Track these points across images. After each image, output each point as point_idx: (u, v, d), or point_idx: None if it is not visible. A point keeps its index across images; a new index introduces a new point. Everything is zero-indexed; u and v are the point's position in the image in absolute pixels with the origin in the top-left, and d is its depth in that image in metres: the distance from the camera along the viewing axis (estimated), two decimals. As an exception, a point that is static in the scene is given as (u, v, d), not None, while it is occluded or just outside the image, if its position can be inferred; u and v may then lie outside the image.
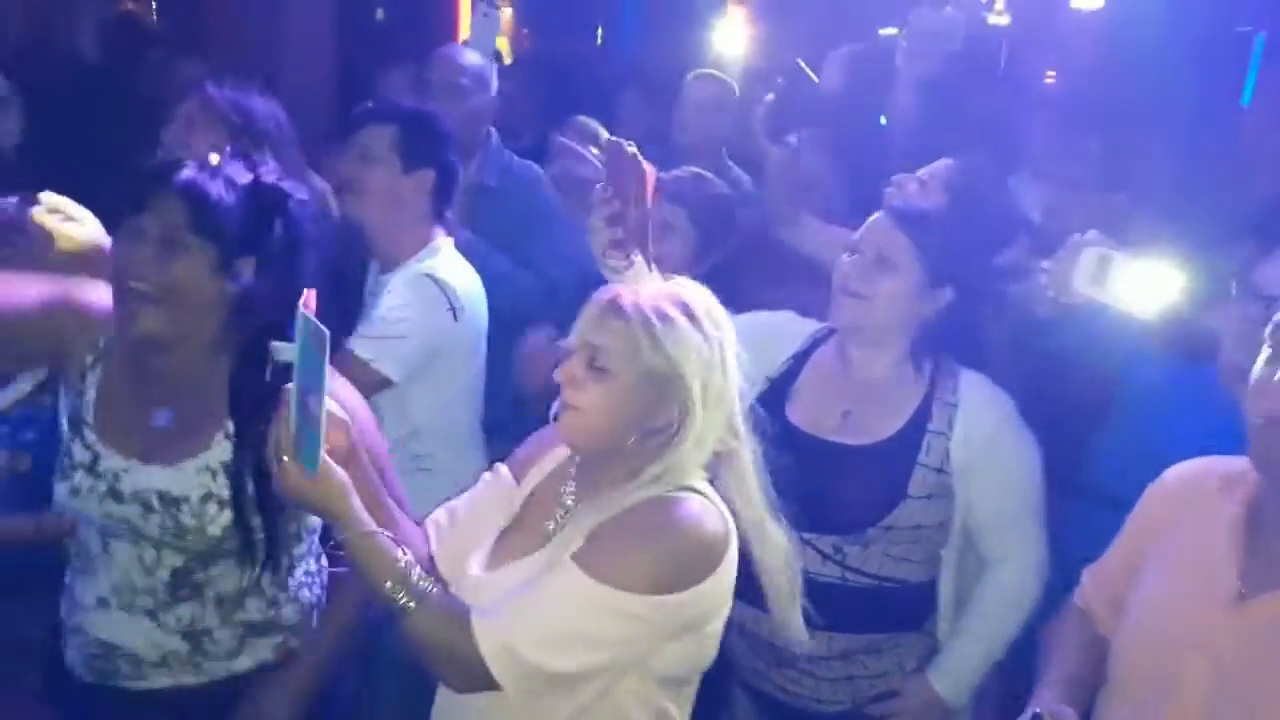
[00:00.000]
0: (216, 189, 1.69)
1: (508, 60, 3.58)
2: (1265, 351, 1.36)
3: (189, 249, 1.67)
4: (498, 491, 1.66)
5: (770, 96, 2.77)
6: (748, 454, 1.54)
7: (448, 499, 1.71)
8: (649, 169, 1.82)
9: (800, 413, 2.07)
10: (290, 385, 1.37)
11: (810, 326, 2.17)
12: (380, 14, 7.09)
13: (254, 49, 4.60)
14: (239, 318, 1.73)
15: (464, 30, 6.92)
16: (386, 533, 1.42)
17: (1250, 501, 1.44)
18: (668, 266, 1.85)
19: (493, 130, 3.15)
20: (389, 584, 1.39)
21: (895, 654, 2.10)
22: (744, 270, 2.55)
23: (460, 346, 2.41)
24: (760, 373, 1.98)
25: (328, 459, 1.37)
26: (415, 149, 2.40)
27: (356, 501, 1.40)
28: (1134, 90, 3.79)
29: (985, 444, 1.99)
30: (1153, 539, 1.56)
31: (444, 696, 1.60)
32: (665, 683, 1.51)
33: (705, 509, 1.47)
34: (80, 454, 1.76)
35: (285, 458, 1.36)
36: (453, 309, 2.34)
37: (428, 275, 2.35)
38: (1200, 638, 1.40)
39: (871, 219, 2.08)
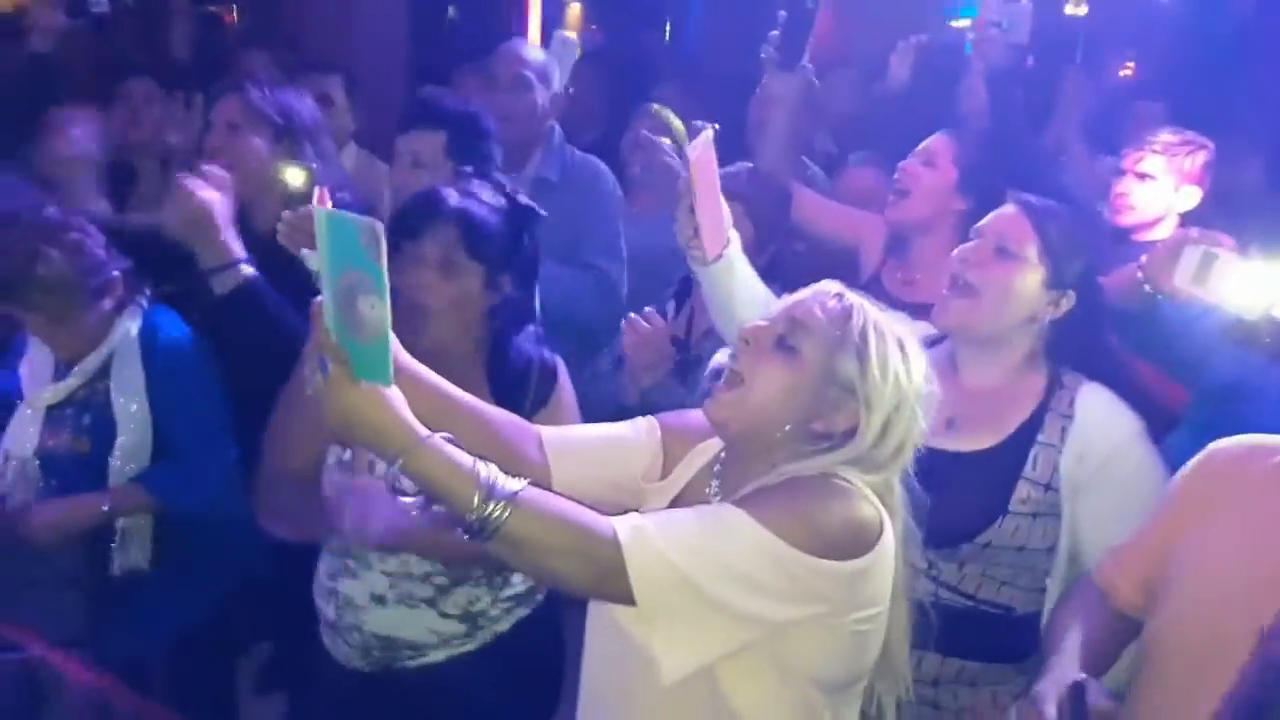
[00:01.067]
0: (483, 213, 1.88)
1: (576, 54, 3.58)
2: None
3: (464, 269, 1.86)
4: (641, 455, 1.52)
5: (776, 31, 2.75)
6: (899, 527, 1.42)
7: None
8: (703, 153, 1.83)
9: None
10: (319, 299, 1.22)
11: (919, 330, 2.06)
12: (452, 12, 7.20)
13: (329, 48, 4.71)
14: (493, 326, 1.92)
15: (534, 28, 6.99)
16: (447, 435, 1.23)
17: None
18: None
19: (555, 125, 3.15)
20: (474, 497, 1.18)
21: (989, 690, 1.90)
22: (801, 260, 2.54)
23: None
24: None
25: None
26: (464, 152, 2.43)
27: (408, 412, 1.21)
28: (1213, 83, 3.69)
29: (1100, 464, 1.81)
30: (1197, 518, 1.50)
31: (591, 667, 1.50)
32: (819, 685, 1.38)
33: (858, 494, 1.36)
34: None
35: (332, 365, 1.19)
36: None
37: None
38: (1259, 621, 1.32)
39: (999, 209, 1.94)
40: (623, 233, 3.04)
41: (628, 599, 1.24)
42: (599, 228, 2.98)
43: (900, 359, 1.39)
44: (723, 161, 1.96)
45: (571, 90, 3.20)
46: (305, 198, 2.02)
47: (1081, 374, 1.89)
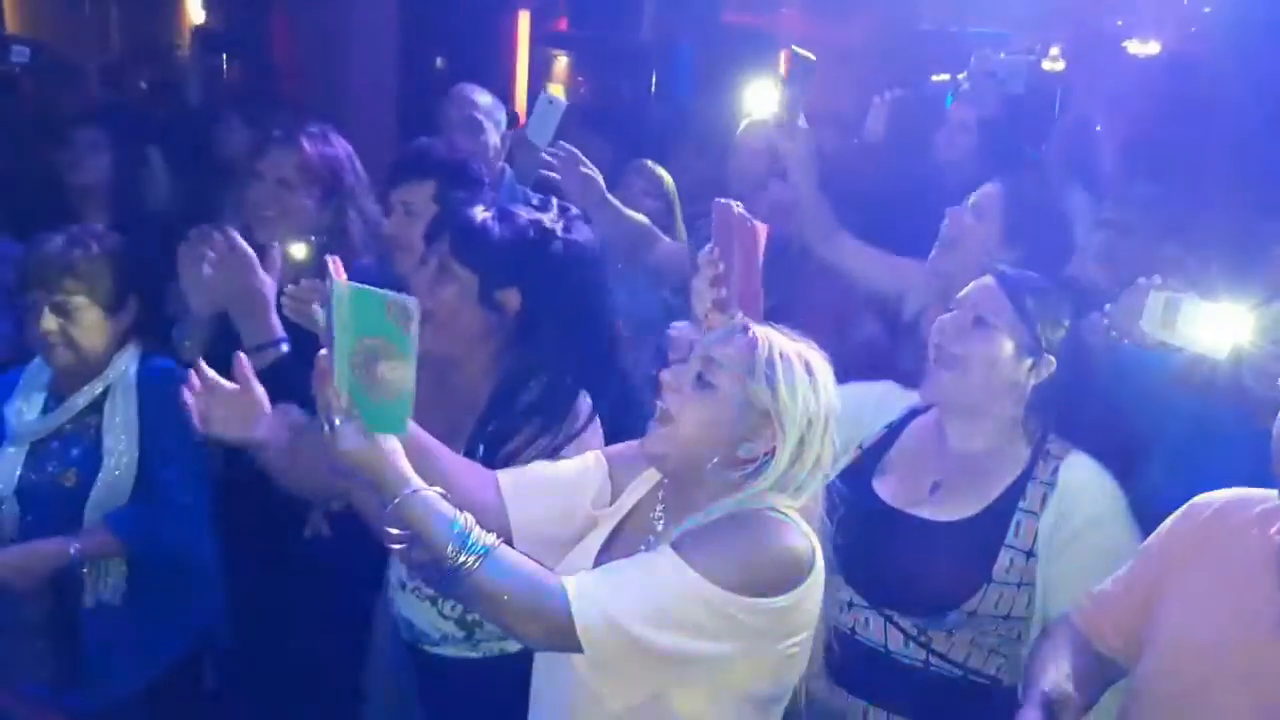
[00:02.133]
0: (483, 223, 1.87)
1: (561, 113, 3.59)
2: None
3: (455, 275, 1.87)
4: (590, 485, 1.66)
5: (781, 84, 2.75)
6: (818, 514, 1.55)
7: None
8: (760, 225, 1.85)
9: (888, 486, 1.96)
10: (324, 353, 1.37)
11: (910, 398, 2.05)
12: (440, 62, 7.29)
13: (319, 98, 4.76)
14: (500, 346, 1.90)
15: (521, 77, 7.08)
16: (438, 490, 1.38)
17: None
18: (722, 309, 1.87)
19: (506, 167, 3.18)
20: (449, 546, 1.33)
21: None
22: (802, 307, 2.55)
23: None
24: (853, 442, 1.97)
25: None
26: (453, 196, 2.37)
27: (404, 463, 1.38)
28: (1190, 136, 3.77)
29: (1075, 531, 1.81)
30: (1177, 569, 1.54)
31: (540, 675, 1.63)
32: (751, 700, 1.50)
33: (791, 526, 1.47)
34: None
35: (338, 421, 1.35)
36: None
37: None
38: (1242, 669, 1.39)
39: (977, 280, 1.98)
40: None
41: (577, 651, 1.38)
42: None
43: (807, 380, 1.50)
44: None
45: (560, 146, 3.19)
46: (309, 267, 2.02)
47: (1068, 437, 1.90)
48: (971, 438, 1.92)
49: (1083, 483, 1.84)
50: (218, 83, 5.36)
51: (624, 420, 1.92)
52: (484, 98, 3.17)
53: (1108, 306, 2.03)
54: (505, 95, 3.87)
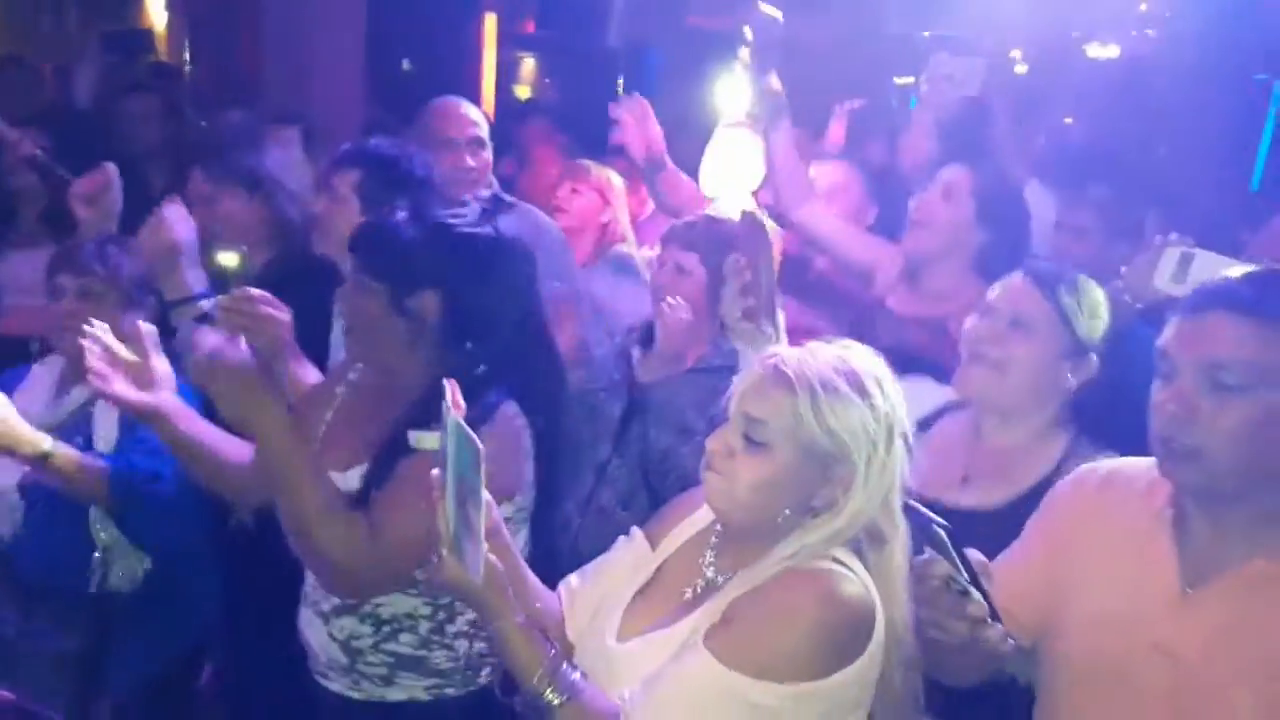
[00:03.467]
0: (386, 231, 1.83)
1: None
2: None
3: (367, 288, 1.82)
4: (632, 555, 1.59)
5: (746, 47, 2.75)
6: (900, 547, 1.41)
7: None
8: (778, 232, 1.86)
9: (917, 474, 1.83)
10: (438, 473, 1.37)
11: (941, 394, 2.02)
12: (407, 65, 7.26)
13: (285, 100, 4.72)
14: (423, 357, 1.83)
15: (488, 80, 7.07)
16: (534, 626, 1.41)
17: (1173, 500, 1.45)
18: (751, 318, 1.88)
19: (493, 179, 3.16)
20: (537, 677, 1.36)
21: None
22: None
23: None
24: None
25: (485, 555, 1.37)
26: (376, 191, 2.42)
27: (508, 594, 1.39)
28: (1148, 138, 3.83)
29: None
30: (1074, 542, 1.54)
31: None
32: None
33: (848, 584, 1.35)
34: None
35: (445, 551, 1.36)
36: None
37: None
38: (1154, 637, 1.40)
39: (1007, 278, 1.93)
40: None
41: None
42: (554, 279, 2.94)
43: (859, 401, 1.38)
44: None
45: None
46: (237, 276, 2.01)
47: (1107, 437, 1.86)
48: (1007, 434, 1.90)
49: None
50: (177, 86, 5.29)
51: (575, 426, 1.91)
52: (475, 112, 3.13)
53: (1123, 269, 2.07)
54: (473, 97, 3.86)
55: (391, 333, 1.83)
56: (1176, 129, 4.07)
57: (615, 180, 3.54)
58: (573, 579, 1.64)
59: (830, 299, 2.90)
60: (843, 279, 2.94)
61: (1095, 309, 1.87)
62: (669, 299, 2.34)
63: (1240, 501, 1.38)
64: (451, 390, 1.36)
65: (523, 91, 8.29)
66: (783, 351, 1.43)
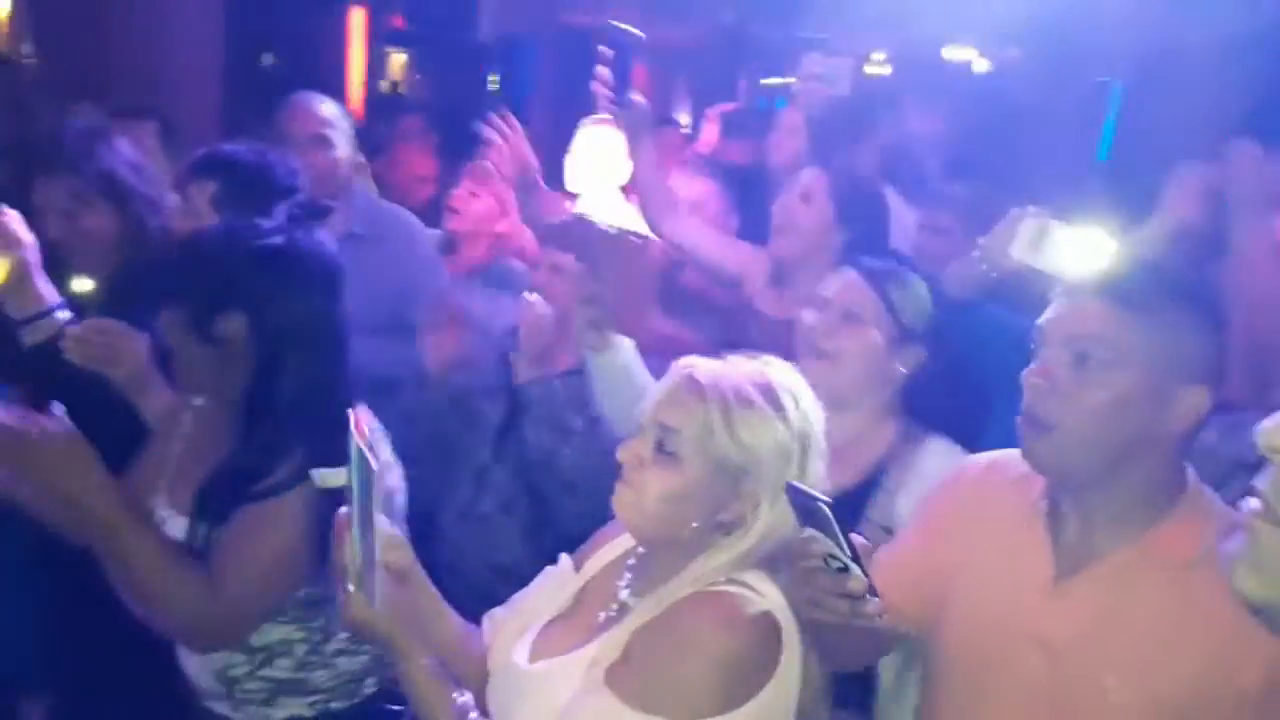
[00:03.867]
0: (184, 249, 1.73)
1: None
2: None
3: (172, 312, 1.71)
4: (557, 580, 1.57)
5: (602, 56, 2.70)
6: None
7: None
8: (654, 241, 1.85)
9: None
10: (346, 510, 1.33)
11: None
12: (269, 58, 7.01)
13: (136, 94, 4.50)
14: (233, 383, 1.72)
15: (355, 75, 6.91)
16: (443, 671, 1.38)
17: (1046, 491, 1.50)
18: (559, 311, 1.88)
19: (358, 179, 3.06)
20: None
21: None
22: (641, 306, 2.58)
23: None
24: None
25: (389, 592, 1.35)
26: (236, 202, 2.32)
27: (416, 633, 1.37)
28: (1002, 138, 4.00)
29: None
30: (953, 535, 1.58)
31: None
32: None
33: (750, 606, 1.31)
34: None
35: (351, 587, 1.33)
36: None
37: None
38: (1028, 627, 1.43)
39: (839, 274, 2.03)
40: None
41: None
42: (424, 282, 2.89)
43: (773, 414, 1.37)
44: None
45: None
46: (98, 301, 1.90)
47: (939, 424, 1.95)
48: (841, 423, 1.91)
49: (940, 464, 1.90)
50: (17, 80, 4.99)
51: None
52: (328, 108, 3.02)
53: (980, 240, 2.13)
54: (340, 94, 3.77)
55: (202, 360, 1.72)
56: (1027, 129, 4.27)
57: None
58: (497, 611, 1.60)
59: (698, 306, 2.92)
60: (710, 286, 2.97)
61: (920, 301, 1.96)
62: (527, 294, 2.33)
63: (1102, 489, 1.42)
64: (355, 418, 1.30)
65: (393, 88, 8.13)
66: (699, 362, 1.41)
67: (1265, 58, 4.04)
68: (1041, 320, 1.47)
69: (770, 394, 1.38)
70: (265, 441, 1.68)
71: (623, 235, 1.86)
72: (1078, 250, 1.89)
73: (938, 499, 1.66)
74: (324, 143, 2.92)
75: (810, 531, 1.26)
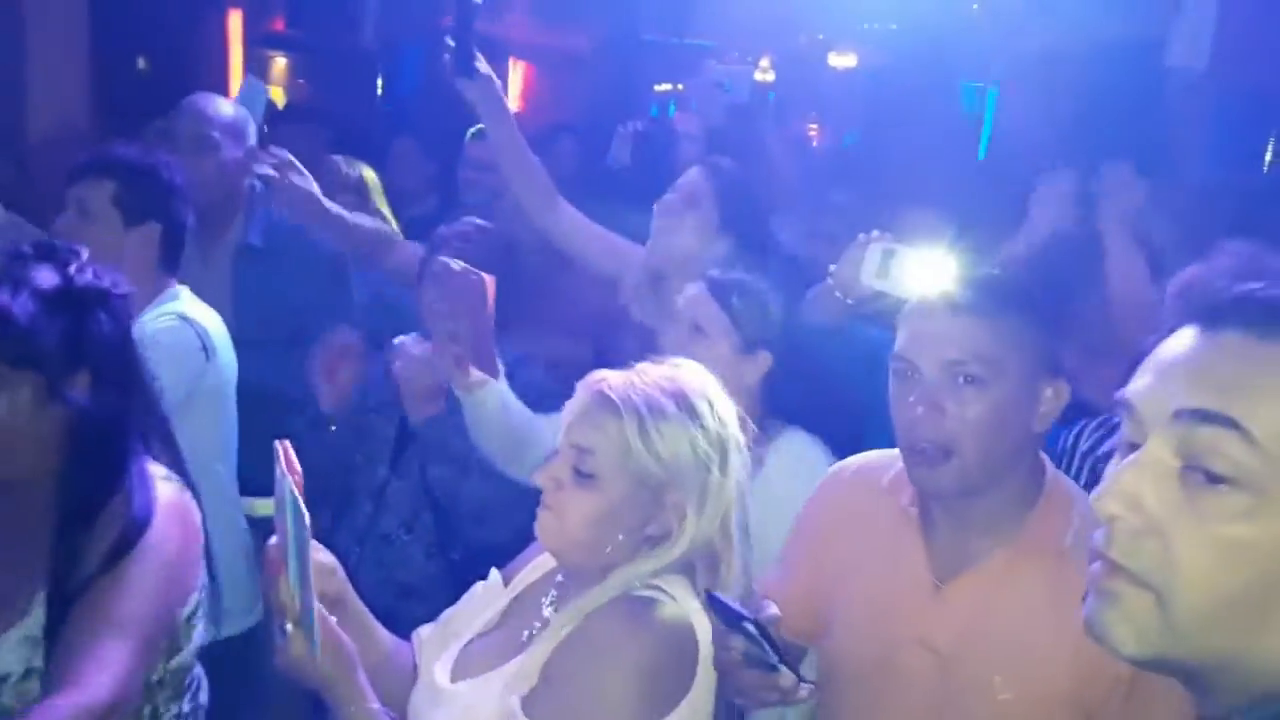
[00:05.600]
0: (17, 310, 1.45)
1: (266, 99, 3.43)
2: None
3: (9, 381, 1.47)
4: (485, 596, 1.53)
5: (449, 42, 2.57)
6: (735, 564, 1.37)
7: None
8: (488, 279, 1.84)
9: None
10: (277, 542, 1.25)
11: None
12: (143, 63, 6.73)
13: (-3, 100, 4.27)
14: (78, 443, 1.51)
15: (235, 81, 6.69)
16: (389, 713, 1.31)
17: (915, 499, 1.51)
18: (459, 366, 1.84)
19: (256, 184, 2.92)
20: None
21: None
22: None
23: (214, 389, 2.28)
24: None
25: (331, 633, 1.26)
26: (136, 203, 2.26)
27: (360, 677, 1.28)
28: (886, 143, 4.12)
29: (777, 499, 1.88)
30: (833, 539, 1.60)
31: None
32: None
33: (668, 612, 1.29)
34: None
35: (290, 626, 1.23)
36: (205, 348, 2.23)
37: (174, 314, 2.23)
38: (913, 631, 1.45)
39: (688, 288, 2.09)
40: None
41: None
42: (324, 297, 2.80)
43: (689, 421, 1.34)
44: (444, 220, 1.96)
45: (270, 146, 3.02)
46: None
47: (798, 423, 2.02)
48: None
49: (788, 455, 1.98)
50: None
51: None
52: (224, 109, 2.89)
53: (832, 267, 2.18)
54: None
55: (42, 432, 1.50)
56: (910, 132, 4.40)
57: (370, 176, 3.44)
58: (424, 629, 1.56)
59: (573, 314, 2.87)
60: (585, 292, 2.94)
61: (764, 311, 2.03)
62: (397, 340, 2.26)
63: (979, 496, 1.44)
64: (284, 451, 1.23)
65: (275, 93, 7.90)
66: (608, 375, 1.38)
67: (1131, 64, 4.26)
68: (901, 348, 1.47)
69: (684, 401, 1.35)
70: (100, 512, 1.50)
71: (456, 272, 1.84)
72: (922, 272, 1.98)
73: (814, 508, 1.68)
74: (210, 144, 2.80)
75: (733, 636, 1.25)
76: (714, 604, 1.26)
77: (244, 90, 3.17)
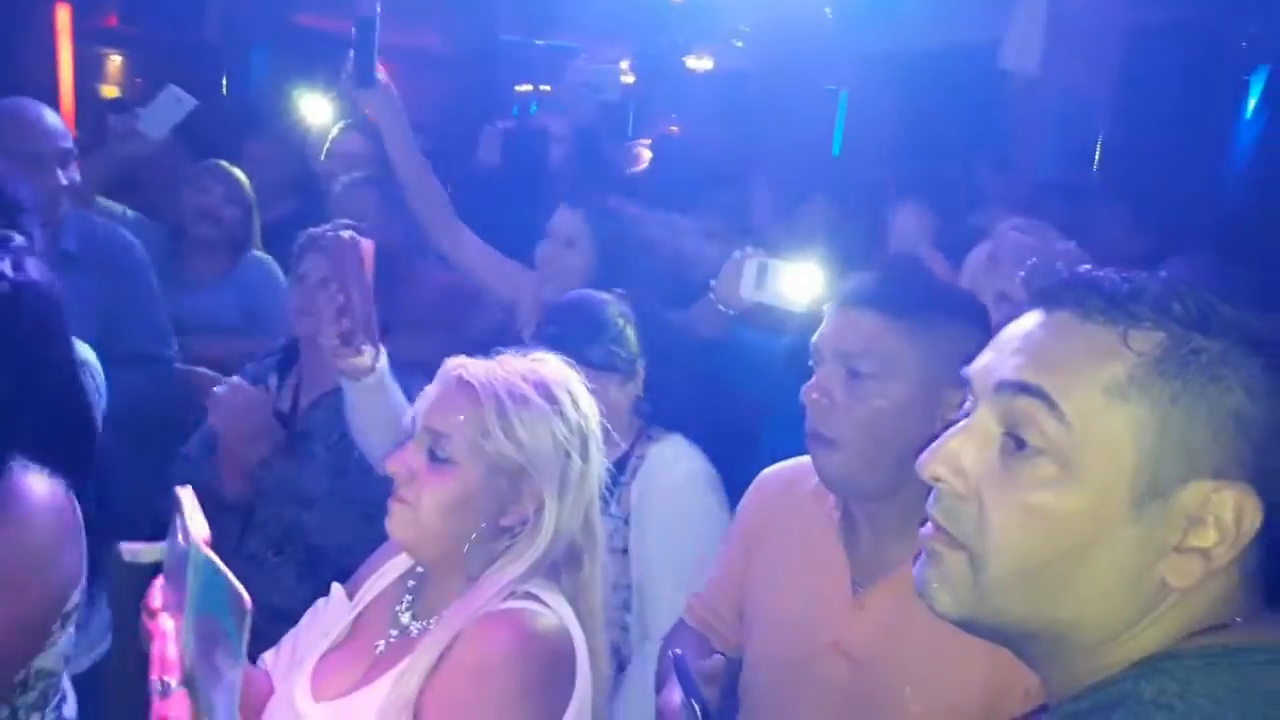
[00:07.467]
0: None
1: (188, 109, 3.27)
2: None
3: None
4: (329, 612, 1.46)
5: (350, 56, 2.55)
6: (599, 559, 1.37)
7: None
8: (366, 242, 1.79)
9: None
10: (164, 584, 1.17)
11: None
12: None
13: None
14: None
15: (65, 81, 6.29)
16: None
17: (839, 503, 1.51)
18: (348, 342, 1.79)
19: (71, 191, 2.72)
20: None
21: None
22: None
23: None
24: None
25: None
26: None
27: None
28: (748, 142, 4.20)
29: (657, 499, 1.95)
30: (759, 545, 1.60)
31: None
32: None
33: (543, 621, 1.27)
34: None
35: (173, 683, 1.12)
36: None
37: None
38: (830, 638, 1.44)
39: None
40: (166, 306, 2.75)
41: None
42: (140, 307, 2.65)
43: (549, 409, 1.33)
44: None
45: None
46: None
47: (692, 428, 2.05)
48: None
49: (667, 456, 2.00)
50: None
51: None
52: (43, 114, 2.65)
53: (712, 282, 2.26)
54: (50, 99, 3.40)
55: None
56: (769, 131, 4.51)
57: (243, 181, 3.32)
58: (268, 655, 1.50)
59: (449, 324, 2.84)
60: (463, 305, 2.90)
61: (623, 333, 2.03)
62: (217, 388, 2.19)
63: (889, 500, 1.43)
64: (188, 502, 1.13)
65: (110, 92, 7.46)
66: (469, 362, 1.36)
67: (972, 66, 4.46)
68: (815, 336, 1.49)
69: (545, 390, 1.34)
70: None
71: (346, 244, 1.79)
72: (795, 283, 2.09)
73: (745, 513, 1.69)
74: (70, 156, 2.60)
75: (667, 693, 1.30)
76: (680, 670, 1.28)
77: (165, 98, 2.99)
